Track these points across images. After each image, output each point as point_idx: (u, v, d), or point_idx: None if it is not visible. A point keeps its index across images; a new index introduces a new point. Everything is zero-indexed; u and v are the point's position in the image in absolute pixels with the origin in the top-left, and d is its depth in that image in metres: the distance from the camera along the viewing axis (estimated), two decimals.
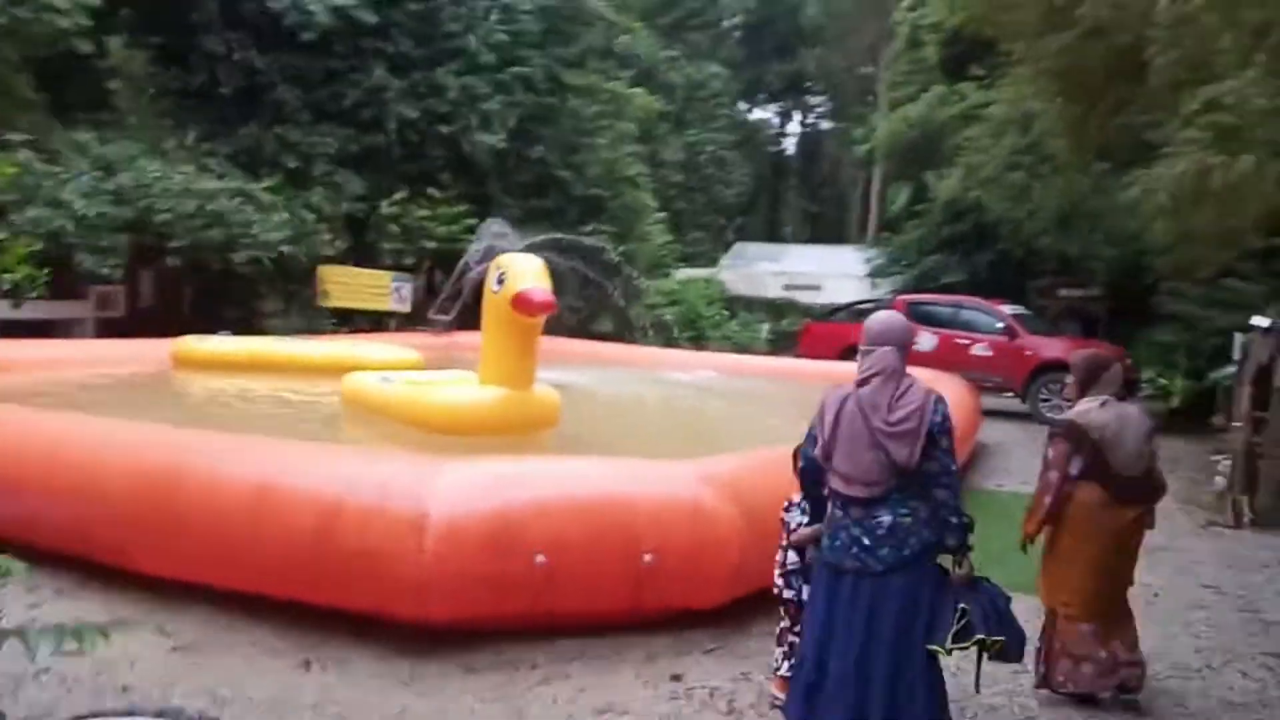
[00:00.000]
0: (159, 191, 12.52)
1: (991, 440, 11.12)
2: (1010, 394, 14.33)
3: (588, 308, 20.07)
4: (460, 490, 4.10)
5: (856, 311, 17.30)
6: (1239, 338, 8.45)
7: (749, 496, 4.41)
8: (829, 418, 3.15)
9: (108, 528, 4.53)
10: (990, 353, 14.38)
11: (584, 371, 13.03)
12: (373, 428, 7.03)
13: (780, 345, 26.17)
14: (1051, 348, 14.24)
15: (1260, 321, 7.79)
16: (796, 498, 3.68)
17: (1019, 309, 15.49)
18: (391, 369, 9.32)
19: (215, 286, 14.54)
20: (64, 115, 13.07)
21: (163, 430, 4.92)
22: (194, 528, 4.31)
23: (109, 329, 13.92)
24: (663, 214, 23.85)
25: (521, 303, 5.97)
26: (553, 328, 18.06)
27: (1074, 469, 3.84)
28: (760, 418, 9.12)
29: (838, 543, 3.12)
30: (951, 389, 10.68)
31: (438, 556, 3.86)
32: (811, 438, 3.32)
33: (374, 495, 4.04)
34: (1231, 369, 9.32)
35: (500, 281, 6.19)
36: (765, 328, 26.83)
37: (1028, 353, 14.14)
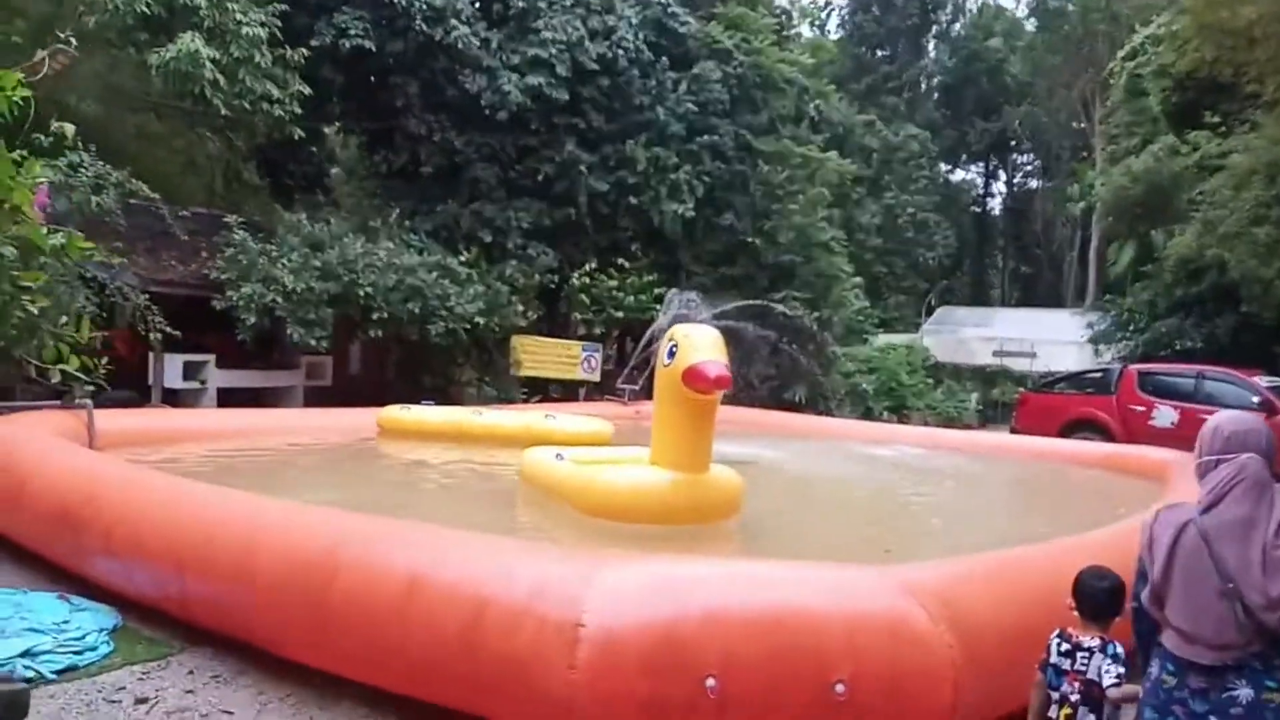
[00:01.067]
0: (363, 267, 13.11)
1: None
2: None
3: (779, 376, 19.37)
4: (620, 594, 3.55)
5: (1080, 382, 15.66)
6: None
7: (969, 615, 3.61)
8: (1160, 551, 2.43)
9: (262, 613, 4.34)
10: None
11: (772, 444, 12.33)
12: (544, 509, 6.70)
13: (992, 417, 24.35)
14: None
15: None
16: (1080, 635, 2.95)
17: (1276, 380, 13.42)
18: (582, 441, 9.26)
19: (416, 356, 15.04)
20: (283, 198, 14.04)
21: (319, 512, 4.72)
22: (342, 619, 4.02)
23: (318, 397, 14.70)
24: (858, 279, 22.83)
25: (694, 377, 5.41)
26: (742, 398, 17.83)
27: None
28: (976, 506, 8.11)
29: (1164, 717, 2.40)
30: None
31: (590, 672, 3.33)
32: (1142, 574, 2.56)
33: (523, 595, 3.58)
34: None
35: (672, 354, 5.68)
36: (974, 397, 25.13)
37: None
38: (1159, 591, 2.42)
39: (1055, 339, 27.48)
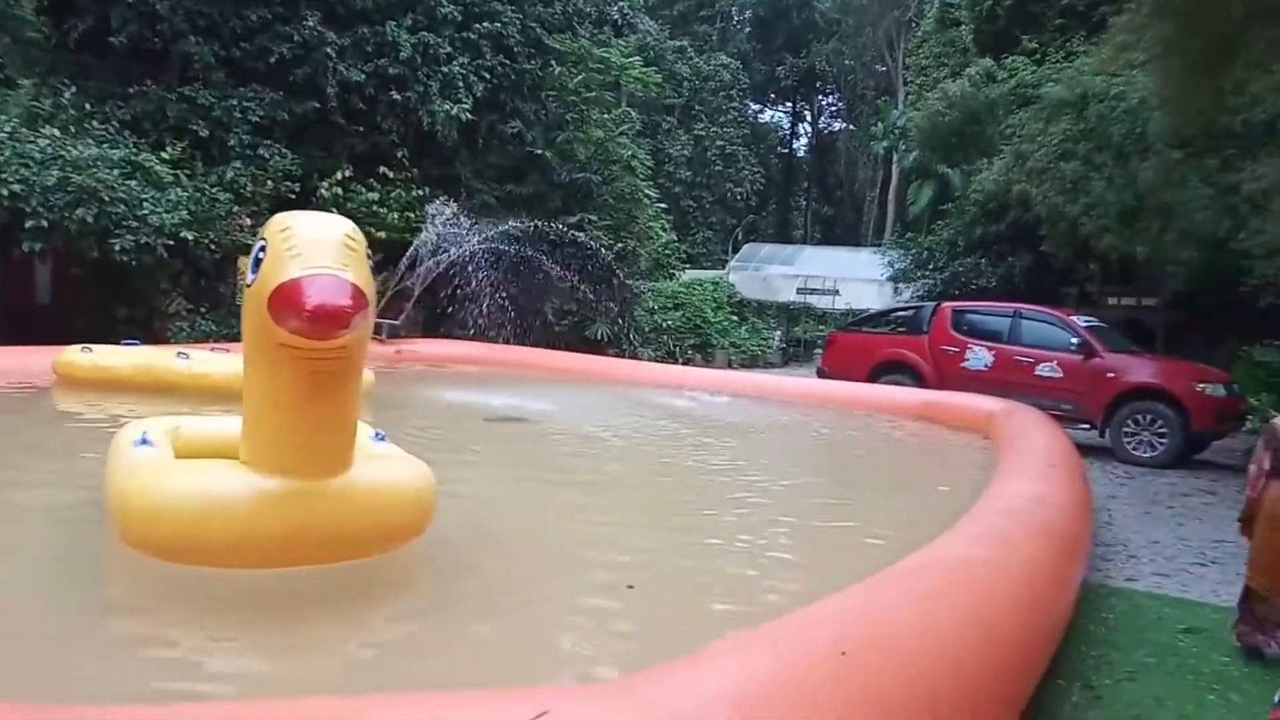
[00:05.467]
0: (9, 157, 9.77)
1: None
2: (1084, 426, 11.50)
3: (581, 311, 17.33)
4: None
5: (891, 321, 14.50)
6: None
7: None
8: None
9: None
10: (1060, 374, 11.55)
11: (550, 394, 10.26)
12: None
13: (796, 355, 23.56)
14: (1139, 370, 11.42)
15: None
16: None
17: (1094, 321, 12.66)
18: None
19: (107, 281, 11.79)
20: None
21: None
22: None
23: None
24: (663, 205, 21.06)
25: (283, 305, 2.87)
26: (537, 337, 15.66)
27: (1267, 465, 4.31)
28: (787, 486, 6.31)
29: None
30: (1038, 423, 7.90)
31: None
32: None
33: None
34: None
35: (258, 265, 3.08)
36: (779, 335, 24.26)
37: (1110, 375, 11.29)
38: None
39: (858, 277, 27.16)
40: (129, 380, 8.24)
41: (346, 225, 3.23)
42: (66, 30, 12.29)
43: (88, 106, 11.65)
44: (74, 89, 11.60)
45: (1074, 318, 12.23)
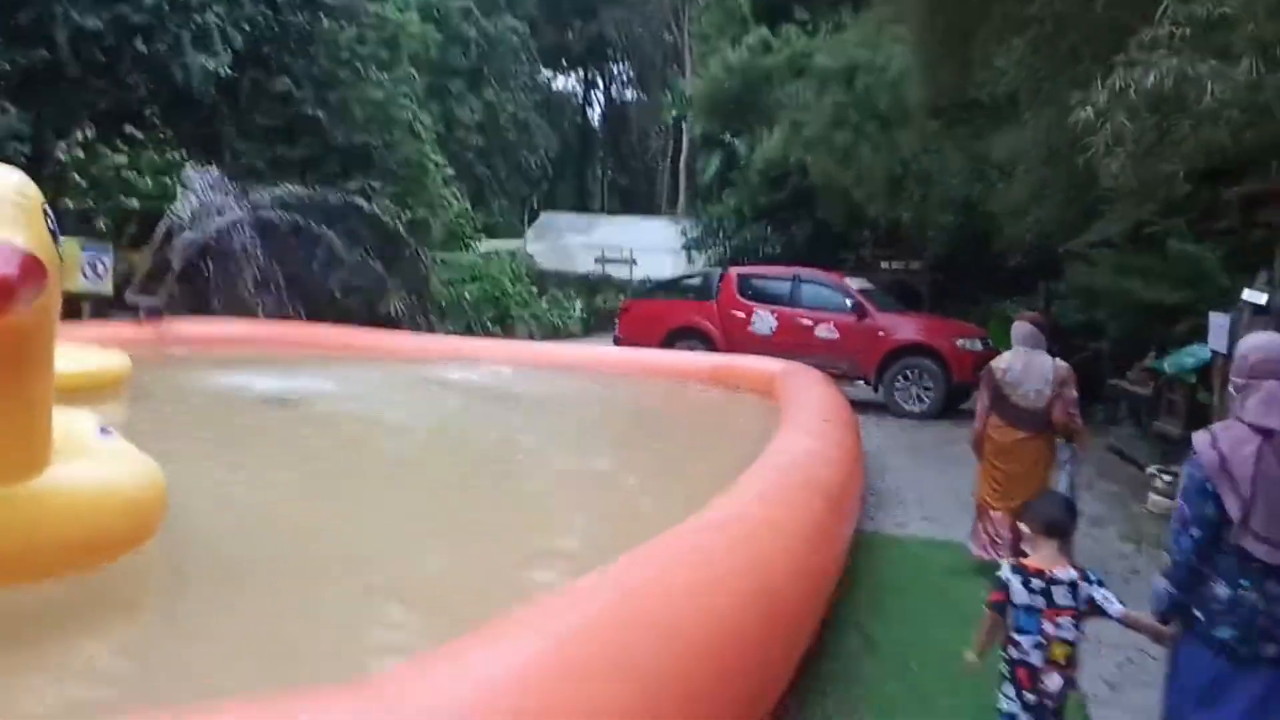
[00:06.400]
0: None
1: None
2: (860, 382, 12.18)
3: (369, 284, 16.42)
4: None
5: (682, 288, 14.75)
6: (1216, 319, 6.35)
7: None
8: (1244, 473, 2.45)
9: None
10: (836, 334, 12.16)
11: (330, 373, 9.65)
12: None
13: (596, 326, 23.63)
14: (906, 328, 12.20)
15: (1255, 297, 5.67)
16: (1046, 567, 2.72)
17: (865, 284, 13.39)
18: (72, 388, 5.93)
19: None
20: None
21: None
22: None
23: None
24: (452, 172, 20.36)
25: None
26: (326, 312, 14.68)
27: (987, 401, 5.28)
28: (580, 464, 6.18)
29: (1251, 628, 2.46)
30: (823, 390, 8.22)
31: None
32: (1195, 517, 2.53)
33: None
34: (1192, 360, 7.31)
35: None
36: (578, 306, 24.21)
37: (881, 334, 12.01)
38: (1246, 509, 2.45)
39: (654, 246, 27.59)
40: None
41: (14, 178, 2.73)
42: None
43: None
44: None
45: (847, 280, 12.89)
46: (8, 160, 11.35)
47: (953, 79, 11.58)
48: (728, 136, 27.98)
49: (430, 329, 16.72)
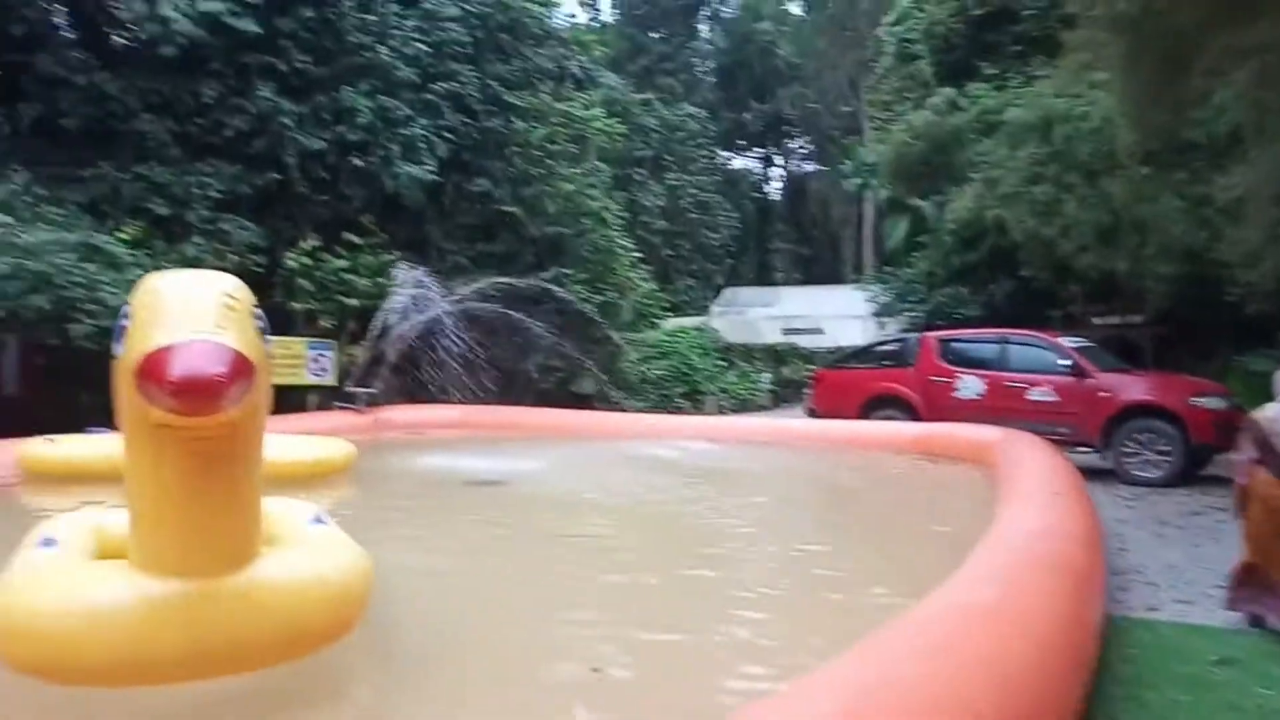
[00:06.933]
0: None
1: None
2: (1084, 448, 11.19)
3: (565, 367, 17.02)
4: None
5: (876, 355, 14.24)
6: None
7: None
8: None
9: None
10: (1055, 397, 11.28)
11: (532, 453, 9.90)
12: None
13: (785, 397, 23.27)
14: (1133, 388, 11.17)
15: None
16: None
17: (1081, 341, 12.44)
18: (299, 475, 6.76)
19: (69, 367, 11.40)
20: None
21: None
22: None
23: None
24: (639, 254, 20.93)
25: (149, 377, 2.46)
26: (522, 395, 15.28)
27: (1253, 454, 4.84)
28: (786, 549, 5.90)
29: None
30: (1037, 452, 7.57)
31: None
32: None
33: None
34: None
35: (122, 335, 2.72)
36: (767, 378, 23.99)
37: (1103, 394, 11.03)
38: None
39: (840, 314, 27.10)
40: (95, 470, 7.78)
41: (226, 282, 2.89)
42: (16, 118, 12.08)
43: (42, 192, 11.38)
44: (27, 175, 11.33)
45: (1061, 339, 12.02)
46: (247, 270, 12.65)
47: (1164, 120, 10.78)
48: (914, 200, 27.33)
49: (622, 407, 17.01)
